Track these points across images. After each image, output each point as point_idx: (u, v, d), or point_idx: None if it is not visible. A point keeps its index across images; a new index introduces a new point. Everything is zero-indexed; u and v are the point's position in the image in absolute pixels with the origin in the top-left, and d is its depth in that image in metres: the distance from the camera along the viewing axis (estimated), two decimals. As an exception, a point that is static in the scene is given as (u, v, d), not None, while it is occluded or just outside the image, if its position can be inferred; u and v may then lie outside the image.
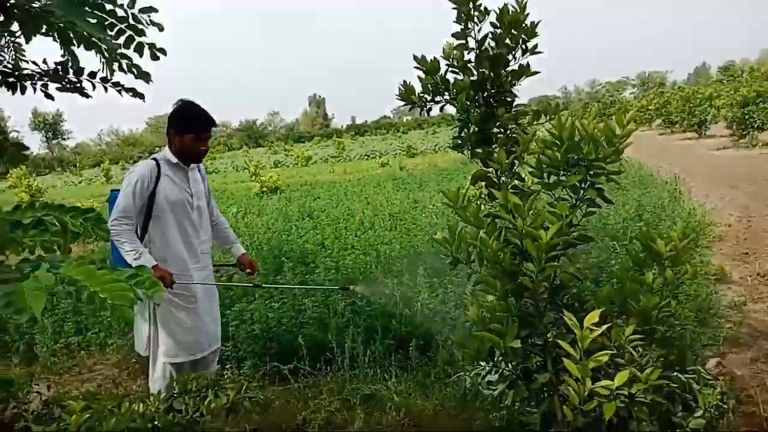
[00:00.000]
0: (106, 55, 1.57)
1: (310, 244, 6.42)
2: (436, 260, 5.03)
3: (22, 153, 1.59)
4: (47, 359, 4.43)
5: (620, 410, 2.00)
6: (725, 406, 2.76)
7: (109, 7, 1.47)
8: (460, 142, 2.57)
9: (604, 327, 1.99)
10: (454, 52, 2.46)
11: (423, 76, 2.50)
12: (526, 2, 2.35)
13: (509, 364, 2.31)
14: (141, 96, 1.80)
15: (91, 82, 1.76)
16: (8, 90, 1.69)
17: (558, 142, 2.15)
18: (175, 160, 3.10)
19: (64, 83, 1.73)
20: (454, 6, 2.38)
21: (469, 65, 2.47)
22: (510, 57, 2.45)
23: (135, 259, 2.84)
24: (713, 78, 60.35)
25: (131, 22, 1.55)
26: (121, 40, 1.63)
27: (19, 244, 1.20)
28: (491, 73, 2.47)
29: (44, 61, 1.71)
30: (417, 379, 3.46)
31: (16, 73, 1.68)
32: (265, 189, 15.46)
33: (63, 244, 1.29)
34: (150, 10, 1.58)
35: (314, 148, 47.67)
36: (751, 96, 17.30)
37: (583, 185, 2.18)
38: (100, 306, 1.12)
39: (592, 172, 2.16)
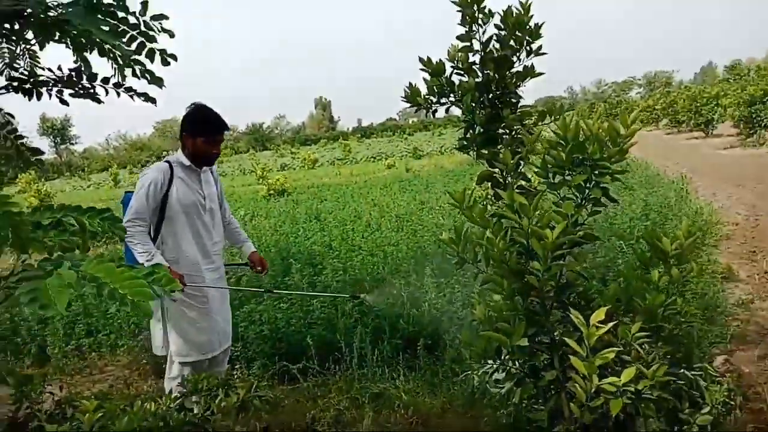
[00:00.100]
0: (120, 61, 1.61)
1: (317, 246, 6.46)
2: (442, 261, 5.06)
3: (38, 158, 1.64)
4: (59, 360, 4.49)
5: (627, 407, 2.02)
6: (732, 402, 2.77)
7: (121, 15, 1.51)
8: (465, 143, 2.60)
9: (611, 325, 2.01)
10: (459, 54, 2.48)
11: (428, 78, 2.53)
12: (530, 4, 2.37)
13: (516, 362, 2.33)
14: (153, 100, 1.85)
15: (104, 88, 1.80)
16: (24, 96, 1.73)
17: (563, 142, 2.17)
18: (187, 162, 3.15)
19: (77, 89, 1.78)
20: (459, 9, 2.41)
21: (474, 67, 2.49)
22: (514, 58, 2.47)
23: (147, 260, 2.89)
24: (720, 77, 59.97)
25: (143, 29, 1.59)
26: (133, 46, 1.67)
27: (41, 244, 1.24)
28: (496, 75, 2.48)
29: (59, 68, 1.76)
30: (425, 378, 3.49)
31: (32, 79, 1.72)
32: (272, 192, 15.53)
33: (82, 243, 1.33)
34: (161, 17, 1.62)
35: (321, 151, 47.73)
36: (758, 95, 17.22)
37: (588, 185, 2.20)
38: (121, 301, 1.16)
39: (597, 172, 2.17)
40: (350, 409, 3.27)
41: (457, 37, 2.46)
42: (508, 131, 2.53)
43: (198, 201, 3.16)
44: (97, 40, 1.51)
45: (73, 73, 1.75)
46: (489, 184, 2.53)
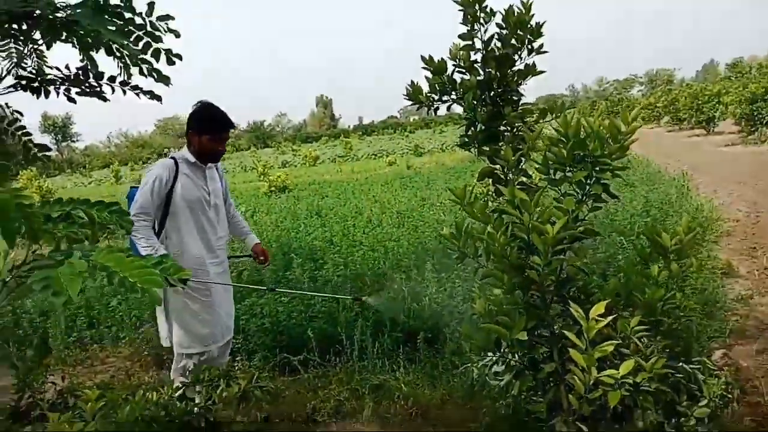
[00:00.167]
0: (126, 60, 1.64)
1: (318, 241, 6.49)
2: (443, 256, 5.09)
3: (45, 153, 1.67)
4: (60, 352, 4.52)
5: (625, 399, 2.04)
6: (730, 396, 2.80)
7: (128, 15, 1.54)
8: (467, 140, 2.62)
9: (610, 318, 2.03)
10: (461, 52, 2.50)
11: (430, 76, 2.54)
12: (531, 3, 2.38)
13: (516, 355, 2.36)
14: (158, 98, 1.88)
15: (111, 86, 1.83)
16: (33, 94, 1.76)
17: (564, 139, 2.19)
18: (193, 159, 3.17)
19: (84, 87, 1.80)
20: (461, 8, 2.43)
21: (475, 65, 2.51)
22: (516, 57, 2.49)
23: (151, 255, 2.92)
24: (721, 75, 59.88)
25: (149, 29, 1.62)
26: (139, 46, 1.70)
27: (52, 235, 1.28)
28: (497, 73, 2.50)
29: (66, 67, 1.78)
30: (425, 370, 3.51)
31: (39, 78, 1.75)
32: (273, 188, 15.56)
33: (92, 235, 1.37)
34: (167, 18, 1.65)
35: (322, 148, 47.75)
36: (759, 92, 17.22)
37: (588, 181, 2.21)
38: (131, 289, 1.21)
39: (597, 168, 2.19)
40: (350, 400, 3.30)
41: (459, 36, 2.48)
42: (509, 128, 2.55)
43: (203, 197, 3.19)
44: (105, 39, 1.54)
45: (80, 72, 1.78)
46: (490, 180, 2.56)
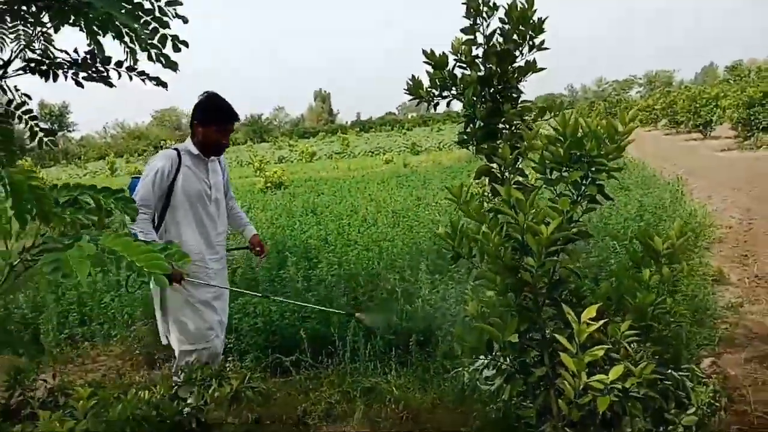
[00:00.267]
0: (137, 44, 1.64)
1: (313, 240, 6.48)
2: (437, 257, 5.09)
3: (51, 138, 1.67)
4: (52, 349, 4.50)
5: (614, 405, 2.05)
6: (717, 404, 2.81)
7: (136, 0, 1.54)
8: (465, 137, 2.62)
9: (601, 322, 2.04)
10: (463, 47, 2.49)
11: (431, 70, 2.54)
12: (534, -2, 2.38)
13: (507, 358, 2.36)
14: (164, 84, 1.88)
15: (117, 71, 1.83)
16: (41, 77, 1.76)
17: (561, 138, 2.19)
18: (196, 151, 3.14)
19: (90, 72, 1.80)
20: (464, 1, 2.42)
21: (476, 60, 2.50)
22: (517, 53, 2.49)
23: None
24: (720, 78, 60.01)
25: (157, 14, 1.62)
26: (147, 31, 1.70)
27: (62, 219, 1.30)
28: (498, 69, 2.49)
29: (75, 51, 1.78)
30: (416, 373, 3.51)
31: (47, 61, 1.75)
32: (269, 184, 15.54)
33: (98, 220, 1.39)
34: (175, 3, 1.65)
35: (319, 144, 47.71)
36: (757, 96, 17.24)
37: (584, 181, 2.22)
38: (138, 273, 1.26)
39: (594, 169, 2.18)
40: (341, 403, 3.29)
41: (461, 30, 2.47)
42: (507, 126, 2.55)
43: (204, 190, 3.16)
44: (117, 23, 1.54)
45: (88, 57, 1.77)
46: (486, 181, 2.56)
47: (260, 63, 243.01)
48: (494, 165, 2.49)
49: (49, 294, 5.16)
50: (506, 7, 2.40)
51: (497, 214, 2.26)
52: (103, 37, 1.63)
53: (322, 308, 3.66)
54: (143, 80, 1.87)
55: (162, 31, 1.69)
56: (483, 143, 2.55)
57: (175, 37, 1.73)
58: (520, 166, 2.45)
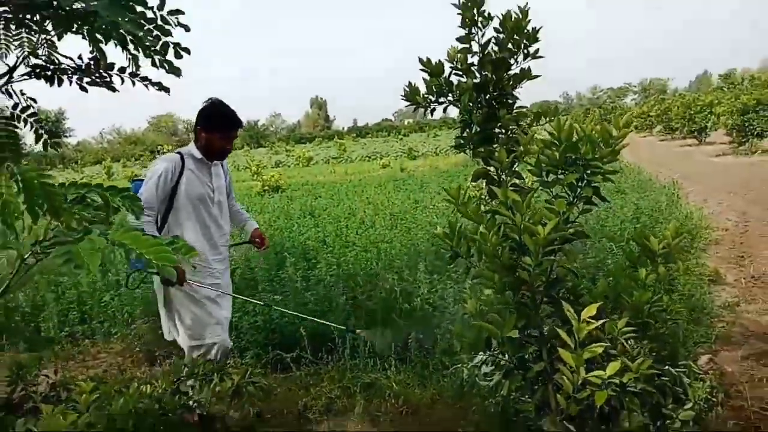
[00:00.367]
0: (139, 51, 1.68)
1: (311, 241, 6.51)
2: (435, 258, 5.13)
3: (56, 141, 1.71)
4: (53, 346, 4.52)
5: (612, 400, 2.08)
6: (714, 399, 2.86)
7: (139, 9, 1.57)
8: (462, 141, 2.66)
9: (601, 322, 2.07)
10: (458, 55, 2.54)
11: (428, 77, 2.59)
12: (528, 9, 2.43)
13: (506, 354, 2.39)
14: (167, 90, 1.92)
15: (120, 77, 1.87)
16: (46, 82, 1.80)
17: (557, 142, 2.23)
18: (199, 155, 3.18)
19: (94, 77, 1.84)
20: (459, 11, 2.47)
21: (472, 68, 2.54)
22: (512, 61, 2.54)
23: None
24: (714, 86, 60.39)
25: (159, 23, 1.66)
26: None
27: (71, 215, 1.34)
28: (494, 76, 2.54)
29: (79, 57, 1.82)
30: (415, 370, 3.54)
31: (52, 67, 1.79)
32: (266, 188, 15.58)
33: (106, 216, 1.42)
34: (177, 12, 1.69)
35: (315, 149, 47.73)
36: (751, 103, 17.39)
37: (580, 183, 2.26)
38: (147, 264, 1.31)
39: (589, 171, 2.22)
40: (342, 398, 3.33)
41: (457, 39, 2.52)
42: (504, 131, 2.60)
43: (207, 194, 3.19)
44: (122, 31, 1.58)
45: (92, 63, 1.82)
46: (483, 183, 2.60)
47: (257, 71, 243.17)
48: (491, 168, 2.53)
49: (49, 293, 5.18)
50: (501, 17, 2.45)
51: (494, 215, 2.30)
52: (106, 44, 1.67)
53: (325, 323, 3.68)
54: (146, 85, 1.92)
55: (164, 39, 1.73)
56: (480, 147, 2.59)
57: (177, 45, 1.78)
58: (516, 169, 2.49)
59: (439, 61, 2.55)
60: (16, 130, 1.61)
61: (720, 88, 43.69)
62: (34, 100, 1.76)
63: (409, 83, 2.63)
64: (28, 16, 1.62)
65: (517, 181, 2.51)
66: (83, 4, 1.44)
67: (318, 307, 4.18)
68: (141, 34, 1.55)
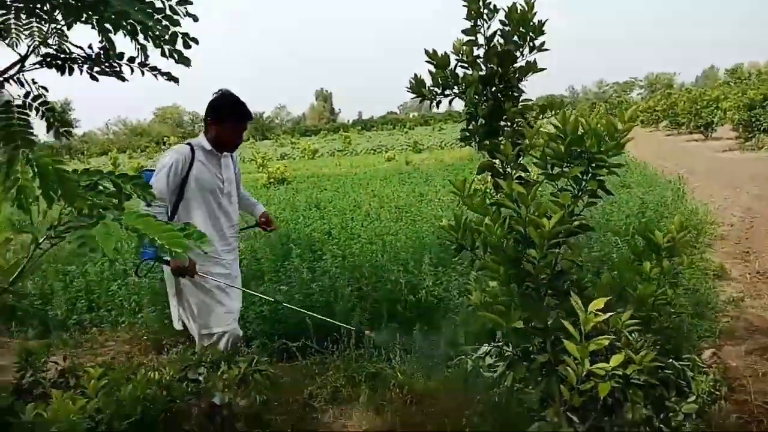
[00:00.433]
0: (149, 41, 1.70)
1: (317, 233, 6.53)
2: (440, 250, 5.15)
3: (68, 129, 1.73)
4: (61, 334, 4.58)
5: (615, 392, 2.10)
6: (718, 393, 2.87)
7: (148, -1, 1.60)
8: (468, 134, 2.67)
9: (608, 315, 2.08)
10: (464, 47, 2.54)
11: (433, 70, 2.59)
12: (534, 1, 2.44)
13: (510, 345, 2.41)
14: (176, 79, 1.94)
15: (130, 67, 1.89)
16: (57, 71, 1.82)
17: (562, 135, 2.24)
18: (209, 147, 3.19)
19: (104, 67, 1.86)
20: (465, 4, 2.47)
21: (478, 60, 2.54)
22: (518, 54, 2.54)
23: None
24: (721, 81, 59.99)
25: (168, 12, 1.67)
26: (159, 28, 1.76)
27: (84, 200, 1.37)
28: (499, 69, 2.54)
29: (90, 47, 1.84)
30: (420, 360, 3.57)
31: (63, 56, 1.81)
32: (272, 180, 15.61)
33: (119, 202, 1.45)
34: (185, 2, 1.71)
35: (321, 142, 47.69)
36: (758, 99, 17.30)
37: (585, 177, 2.26)
38: (160, 249, 1.33)
39: (594, 165, 2.23)
40: (347, 387, 3.36)
41: (463, 31, 2.52)
42: (509, 124, 2.60)
43: (217, 185, 3.21)
44: (131, 20, 1.60)
45: (102, 52, 1.84)
46: (489, 176, 2.61)
47: (261, 55, 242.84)
48: (496, 161, 2.54)
49: (57, 282, 5.23)
50: (506, 9, 2.45)
51: (500, 208, 2.31)
52: (115, 34, 1.69)
53: (337, 323, 3.71)
54: (155, 75, 1.94)
55: (173, 28, 1.75)
56: (485, 140, 2.60)
57: (185, 35, 1.80)
58: (521, 162, 2.50)
59: (445, 53, 2.56)
60: (28, 118, 1.63)
61: (727, 83, 43.44)
62: (46, 89, 1.78)
63: (415, 75, 2.63)
64: (38, 6, 1.63)
65: (523, 174, 2.52)
66: None
67: (323, 298, 4.20)
68: (151, 23, 1.56)
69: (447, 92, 2.64)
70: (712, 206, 8.40)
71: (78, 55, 1.83)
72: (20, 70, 1.77)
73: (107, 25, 1.60)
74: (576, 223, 2.28)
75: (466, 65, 2.57)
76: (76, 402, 2.20)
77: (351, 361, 3.58)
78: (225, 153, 3.31)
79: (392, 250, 5.46)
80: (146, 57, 1.81)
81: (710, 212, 7.83)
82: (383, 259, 5.13)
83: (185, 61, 1.79)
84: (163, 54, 1.75)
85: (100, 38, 1.69)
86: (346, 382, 3.40)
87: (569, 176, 2.24)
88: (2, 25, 1.70)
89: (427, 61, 2.58)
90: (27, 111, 1.68)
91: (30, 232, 1.43)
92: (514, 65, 2.56)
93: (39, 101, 1.75)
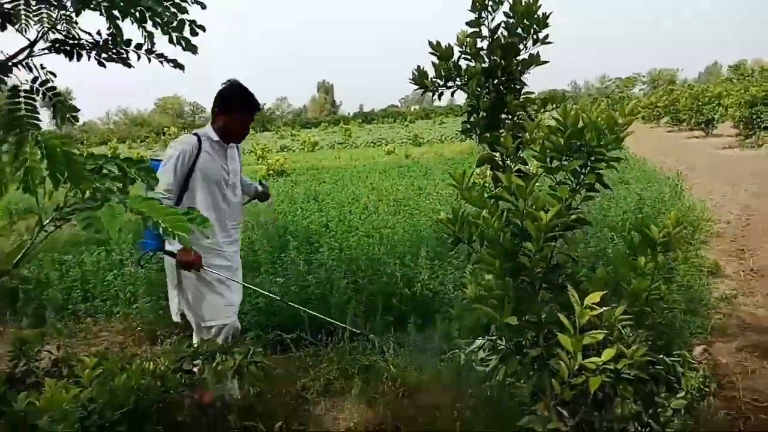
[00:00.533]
0: (157, 28, 1.70)
1: (315, 226, 6.52)
2: (437, 244, 5.15)
3: (74, 114, 1.74)
4: (55, 323, 4.58)
5: (606, 387, 2.11)
6: (707, 389, 2.89)
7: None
8: (469, 126, 2.66)
9: (604, 309, 2.09)
10: (468, 39, 2.53)
11: (436, 61, 2.58)
12: (539, -7, 2.42)
13: (503, 339, 2.42)
14: (181, 66, 1.95)
15: (137, 53, 1.89)
16: (66, 57, 1.83)
17: (562, 128, 2.24)
18: (216, 137, 3.18)
19: (111, 53, 1.86)
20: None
21: (481, 53, 2.54)
22: (521, 46, 2.53)
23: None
24: (723, 77, 59.82)
25: (176, 0, 1.68)
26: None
27: (90, 182, 1.38)
28: (502, 61, 2.53)
29: (98, 33, 1.85)
30: (413, 354, 3.58)
31: (71, 42, 1.82)
32: (271, 172, 15.59)
33: (124, 186, 1.47)
34: None
35: (321, 134, 47.59)
36: (760, 95, 17.25)
37: (583, 170, 2.26)
38: (164, 232, 1.35)
39: (593, 158, 2.23)
40: (340, 379, 3.37)
41: (467, 23, 2.51)
42: (510, 117, 2.60)
43: (222, 176, 3.20)
44: (141, 7, 1.60)
45: (109, 39, 1.84)
46: (488, 169, 2.60)
47: (263, 54, 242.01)
48: (496, 153, 2.54)
49: (53, 271, 5.24)
50: (511, 1, 2.44)
51: (498, 201, 2.31)
52: (123, 21, 1.69)
53: (336, 322, 3.70)
54: (161, 62, 1.94)
55: (180, 16, 1.75)
56: (486, 132, 2.59)
57: (192, 22, 1.80)
58: (521, 155, 2.50)
59: (449, 44, 2.55)
60: (34, 103, 1.64)
61: (729, 80, 43.33)
62: (54, 75, 1.78)
63: (418, 67, 2.63)
64: None
65: (522, 167, 2.52)
66: None
67: (319, 290, 4.21)
68: (160, 9, 1.57)
69: (449, 84, 2.63)
70: (709, 203, 8.41)
71: (86, 41, 1.83)
72: (29, 56, 1.78)
73: (116, 12, 1.60)
74: (573, 217, 2.28)
75: (469, 57, 2.56)
76: (69, 391, 2.20)
77: (344, 353, 3.59)
78: (231, 144, 3.29)
79: (389, 243, 5.46)
80: (153, 44, 1.81)
81: (707, 209, 7.84)
82: (380, 252, 5.13)
83: (192, 49, 1.80)
84: (170, 41, 1.76)
85: (108, 25, 1.69)
86: (339, 374, 3.41)
87: (568, 169, 2.24)
88: (12, 11, 1.70)
89: (431, 53, 2.57)
90: (34, 96, 1.69)
91: (36, 213, 1.45)
92: (517, 58, 2.55)
93: (46, 86, 1.75)
